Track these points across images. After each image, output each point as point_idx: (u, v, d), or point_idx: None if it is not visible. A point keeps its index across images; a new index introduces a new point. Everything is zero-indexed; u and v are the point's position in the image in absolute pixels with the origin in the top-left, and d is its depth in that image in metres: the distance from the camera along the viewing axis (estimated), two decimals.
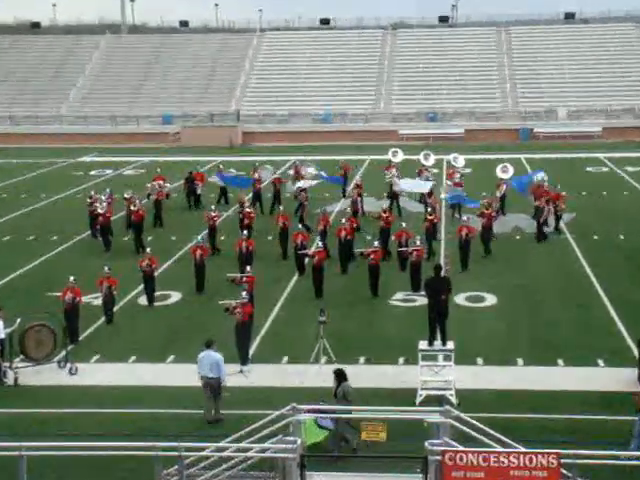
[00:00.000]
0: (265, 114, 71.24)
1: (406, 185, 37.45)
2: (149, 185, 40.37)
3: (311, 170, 42.04)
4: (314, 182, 39.93)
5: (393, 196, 38.43)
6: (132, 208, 34.57)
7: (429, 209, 32.80)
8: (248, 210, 33.88)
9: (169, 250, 33.53)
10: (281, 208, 33.47)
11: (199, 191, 41.79)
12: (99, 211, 34.81)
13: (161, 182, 41.17)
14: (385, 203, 36.43)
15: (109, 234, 34.49)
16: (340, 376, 17.31)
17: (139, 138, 68.93)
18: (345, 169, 43.47)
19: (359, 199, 37.25)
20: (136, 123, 71.70)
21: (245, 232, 30.59)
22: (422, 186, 37.03)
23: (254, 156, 56.05)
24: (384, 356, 22.20)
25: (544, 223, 34.19)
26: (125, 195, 37.68)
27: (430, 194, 36.07)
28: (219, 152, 61.13)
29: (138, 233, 33.74)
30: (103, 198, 36.44)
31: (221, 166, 45.17)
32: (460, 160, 42.85)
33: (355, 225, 31.69)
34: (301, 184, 38.49)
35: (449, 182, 38.91)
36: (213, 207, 34.42)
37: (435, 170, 44.61)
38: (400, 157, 44.70)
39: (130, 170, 55.83)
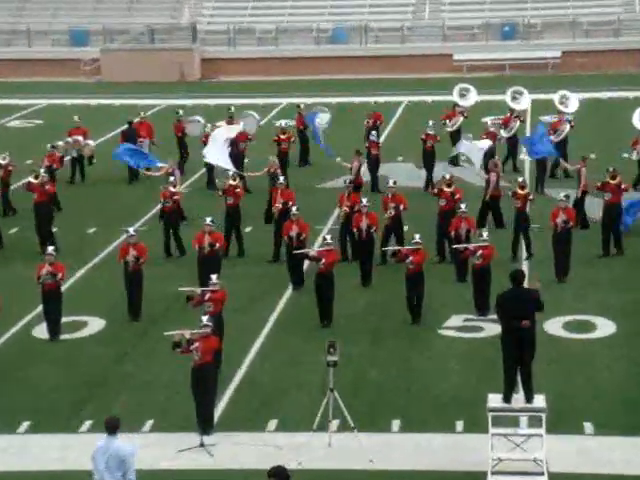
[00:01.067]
0: (239, 29, 71.29)
1: (464, 147, 37.68)
2: (61, 143, 40.52)
3: (324, 118, 42.62)
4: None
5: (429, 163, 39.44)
6: (33, 181, 34.75)
7: (521, 179, 33.03)
8: (232, 183, 33.74)
9: (85, 250, 33.67)
10: (281, 180, 33.45)
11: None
12: None
13: (80, 137, 41.43)
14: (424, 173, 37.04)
15: None
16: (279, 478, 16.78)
17: (33, 67, 69.06)
18: (375, 119, 43.69)
19: (360, 167, 37.29)
20: (27, 44, 71.83)
21: (209, 219, 30.07)
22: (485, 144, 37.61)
23: (221, 97, 56.04)
24: (432, 419, 22.24)
25: None
26: None
27: (492, 155, 36.77)
28: (163, 90, 61.20)
29: (43, 222, 33.82)
30: None
31: (180, 111, 45.27)
32: (573, 102, 43.22)
33: (402, 206, 31.81)
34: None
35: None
36: (172, 179, 34.29)
37: None
38: (473, 99, 45.13)
39: (18, 120, 56.00)
